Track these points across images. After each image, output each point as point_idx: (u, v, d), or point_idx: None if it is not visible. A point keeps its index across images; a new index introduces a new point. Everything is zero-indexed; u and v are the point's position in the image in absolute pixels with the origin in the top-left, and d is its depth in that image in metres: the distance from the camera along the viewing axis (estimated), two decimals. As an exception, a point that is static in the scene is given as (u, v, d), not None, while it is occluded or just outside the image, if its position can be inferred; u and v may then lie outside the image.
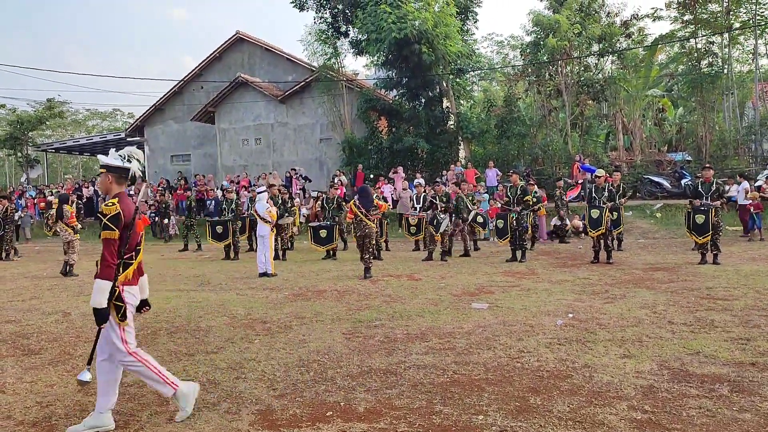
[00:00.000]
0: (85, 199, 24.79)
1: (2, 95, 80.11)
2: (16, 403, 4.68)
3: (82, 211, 19.67)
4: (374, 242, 11.63)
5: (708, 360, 5.13)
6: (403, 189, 19.25)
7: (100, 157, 4.40)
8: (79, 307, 8.59)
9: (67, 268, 12.53)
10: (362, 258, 10.97)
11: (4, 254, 16.26)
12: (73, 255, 12.67)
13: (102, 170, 4.19)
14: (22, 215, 22.44)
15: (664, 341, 5.75)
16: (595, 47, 24.83)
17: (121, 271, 4.04)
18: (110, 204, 4.01)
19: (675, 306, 7.34)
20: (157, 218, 21.22)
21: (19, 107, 50.08)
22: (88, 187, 26.12)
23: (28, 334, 7.02)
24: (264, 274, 11.32)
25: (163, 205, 20.96)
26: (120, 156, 4.22)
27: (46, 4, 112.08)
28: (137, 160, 4.25)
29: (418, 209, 15.11)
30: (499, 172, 21.13)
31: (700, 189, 11.51)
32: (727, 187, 14.34)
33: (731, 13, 21.87)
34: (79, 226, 13.51)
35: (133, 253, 4.15)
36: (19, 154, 35.68)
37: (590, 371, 4.94)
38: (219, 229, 15.17)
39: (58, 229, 12.99)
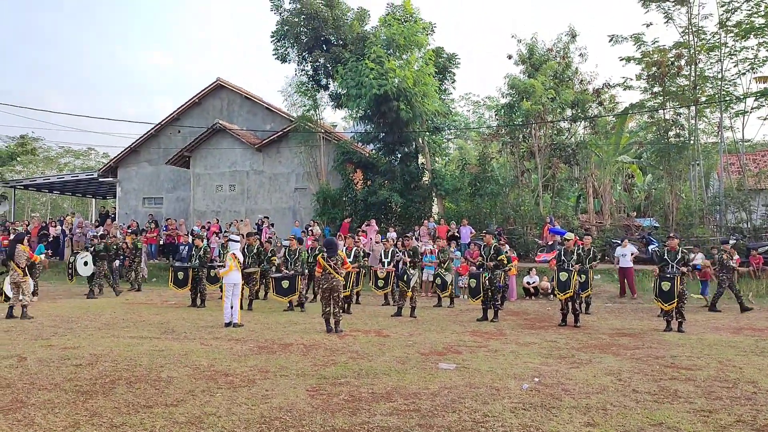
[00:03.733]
0: (51, 238, 24.25)
1: (-25, 130, 78.99)
2: (-40, 453, 4.48)
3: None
4: (341, 296, 11.27)
5: None
6: (376, 242, 19.31)
7: None
8: (35, 352, 8.34)
9: (22, 310, 12.06)
10: (329, 312, 10.70)
11: None
12: (24, 297, 12.24)
13: None
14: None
15: (628, 410, 5.76)
16: (568, 112, 25.60)
17: None
18: None
19: (640, 374, 7.38)
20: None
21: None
22: (55, 226, 25.62)
23: (-21, 378, 6.78)
24: (229, 324, 11.15)
25: (114, 247, 19.97)
26: None
27: (25, 46, 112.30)
28: None
29: (386, 263, 15.14)
30: (473, 230, 21.30)
31: (666, 257, 11.74)
32: (692, 255, 14.67)
33: (698, 87, 22.77)
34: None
35: None
36: (-13, 190, 35.14)
37: (554, 439, 4.92)
38: (180, 275, 14.95)
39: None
